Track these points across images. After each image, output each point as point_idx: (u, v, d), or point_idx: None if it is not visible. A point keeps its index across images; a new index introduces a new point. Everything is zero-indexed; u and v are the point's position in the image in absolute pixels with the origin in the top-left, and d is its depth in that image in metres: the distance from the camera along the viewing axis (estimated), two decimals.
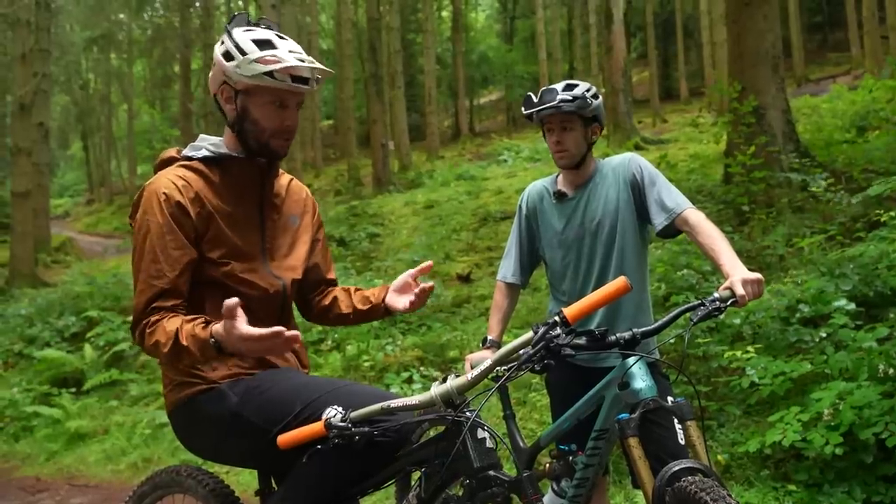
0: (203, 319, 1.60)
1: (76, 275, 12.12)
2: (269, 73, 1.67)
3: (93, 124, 33.76)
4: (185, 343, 1.55)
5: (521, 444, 1.88)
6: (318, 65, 1.70)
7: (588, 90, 2.32)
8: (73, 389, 7.33)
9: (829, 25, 28.09)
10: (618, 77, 14.88)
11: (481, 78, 33.69)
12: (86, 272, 12.50)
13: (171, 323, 1.61)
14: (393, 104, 20.32)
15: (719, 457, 3.31)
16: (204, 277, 1.74)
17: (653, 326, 1.71)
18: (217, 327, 1.52)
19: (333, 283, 2.08)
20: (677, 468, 1.51)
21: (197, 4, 24.60)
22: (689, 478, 1.48)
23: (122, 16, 31.92)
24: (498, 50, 32.63)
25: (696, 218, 2.15)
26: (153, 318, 1.64)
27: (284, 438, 1.60)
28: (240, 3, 31.13)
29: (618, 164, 2.37)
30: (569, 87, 2.31)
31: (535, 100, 2.32)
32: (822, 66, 23.83)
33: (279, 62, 1.66)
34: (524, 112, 2.36)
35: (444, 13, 34.67)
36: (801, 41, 23.22)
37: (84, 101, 33.38)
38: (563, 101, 2.25)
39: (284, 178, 1.97)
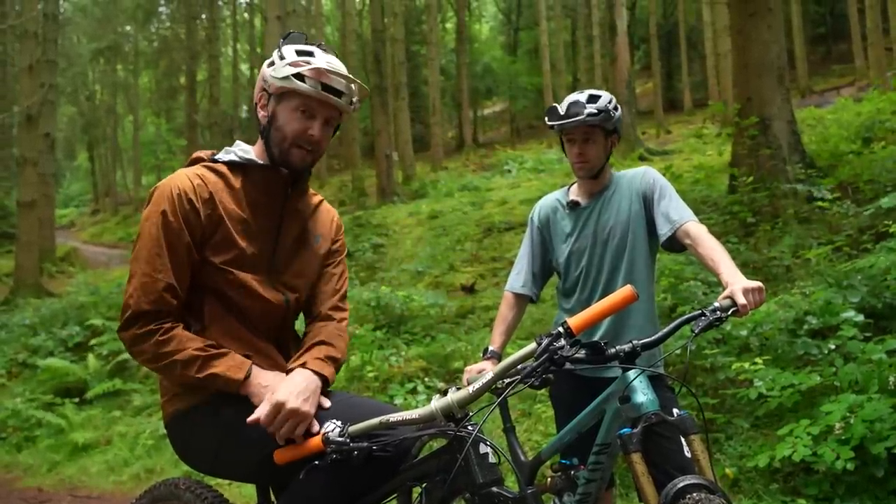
0: (230, 356, 1.66)
1: (80, 285, 12.14)
2: (300, 76, 1.68)
3: (98, 135, 33.96)
4: (217, 371, 1.63)
5: (522, 457, 1.84)
6: (349, 75, 1.72)
7: (610, 102, 2.32)
8: (77, 399, 7.31)
9: (832, 37, 28.12)
10: (622, 88, 14.92)
11: (485, 89, 33.82)
12: (90, 282, 12.53)
13: (192, 340, 1.65)
14: (397, 115, 20.37)
15: (727, 470, 3.27)
16: (205, 282, 1.72)
17: (653, 338, 1.67)
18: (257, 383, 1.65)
19: (326, 317, 1.88)
20: (682, 484, 1.47)
21: (203, 17, 24.81)
22: (695, 494, 1.44)
23: (128, 28, 32.23)
24: (502, 61, 32.77)
25: (697, 230, 2.15)
26: (166, 325, 1.64)
27: (281, 454, 1.57)
28: (245, 15, 31.38)
29: (632, 176, 2.38)
30: (593, 99, 2.30)
31: (561, 112, 2.30)
32: (826, 78, 23.83)
33: (309, 64, 1.69)
34: (548, 123, 2.35)
35: (449, 25, 34.88)
36: (805, 53, 23.25)
37: (90, 112, 33.63)
38: (589, 114, 2.25)
39: (314, 199, 1.95)
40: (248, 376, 1.64)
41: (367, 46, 23.65)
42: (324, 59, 1.72)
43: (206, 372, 1.61)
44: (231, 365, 1.64)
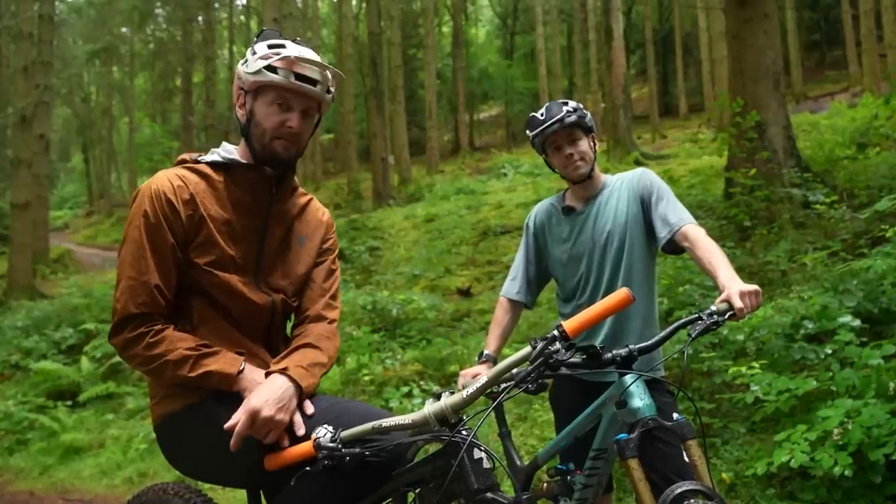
0: (222, 354, 1.64)
1: (74, 287, 12.06)
2: (271, 68, 1.67)
3: (94, 137, 33.89)
4: (211, 368, 1.60)
5: (519, 462, 1.82)
6: (321, 62, 1.70)
7: (577, 105, 2.37)
8: (69, 402, 7.26)
9: (826, 43, 28.28)
10: (618, 93, 14.95)
11: (481, 93, 33.86)
12: (83, 284, 12.46)
13: (183, 340, 1.62)
14: (393, 118, 20.36)
15: (724, 475, 3.26)
16: (192, 284, 1.70)
17: (650, 342, 1.65)
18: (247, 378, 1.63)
19: (317, 317, 1.85)
20: (680, 490, 1.46)
21: (199, 19, 24.79)
22: (692, 500, 1.42)
23: (124, 29, 32.15)
24: (498, 65, 32.82)
25: (696, 233, 2.13)
26: (156, 327, 1.62)
27: (272, 460, 1.53)
28: (242, 17, 31.35)
29: (629, 178, 2.37)
30: (563, 103, 2.36)
31: (541, 117, 2.33)
32: (821, 84, 23.94)
33: (279, 55, 1.68)
34: (530, 133, 2.37)
35: (445, 29, 34.92)
36: (800, 59, 23.37)
37: (85, 114, 33.55)
38: (568, 112, 2.30)
39: (302, 198, 1.91)
40: (241, 371, 1.62)
41: (364, 50, 23.66)
42: (295, 50, 1.71)
43: (199, 371, 1.59)
44: (224, 361, 1.62)
